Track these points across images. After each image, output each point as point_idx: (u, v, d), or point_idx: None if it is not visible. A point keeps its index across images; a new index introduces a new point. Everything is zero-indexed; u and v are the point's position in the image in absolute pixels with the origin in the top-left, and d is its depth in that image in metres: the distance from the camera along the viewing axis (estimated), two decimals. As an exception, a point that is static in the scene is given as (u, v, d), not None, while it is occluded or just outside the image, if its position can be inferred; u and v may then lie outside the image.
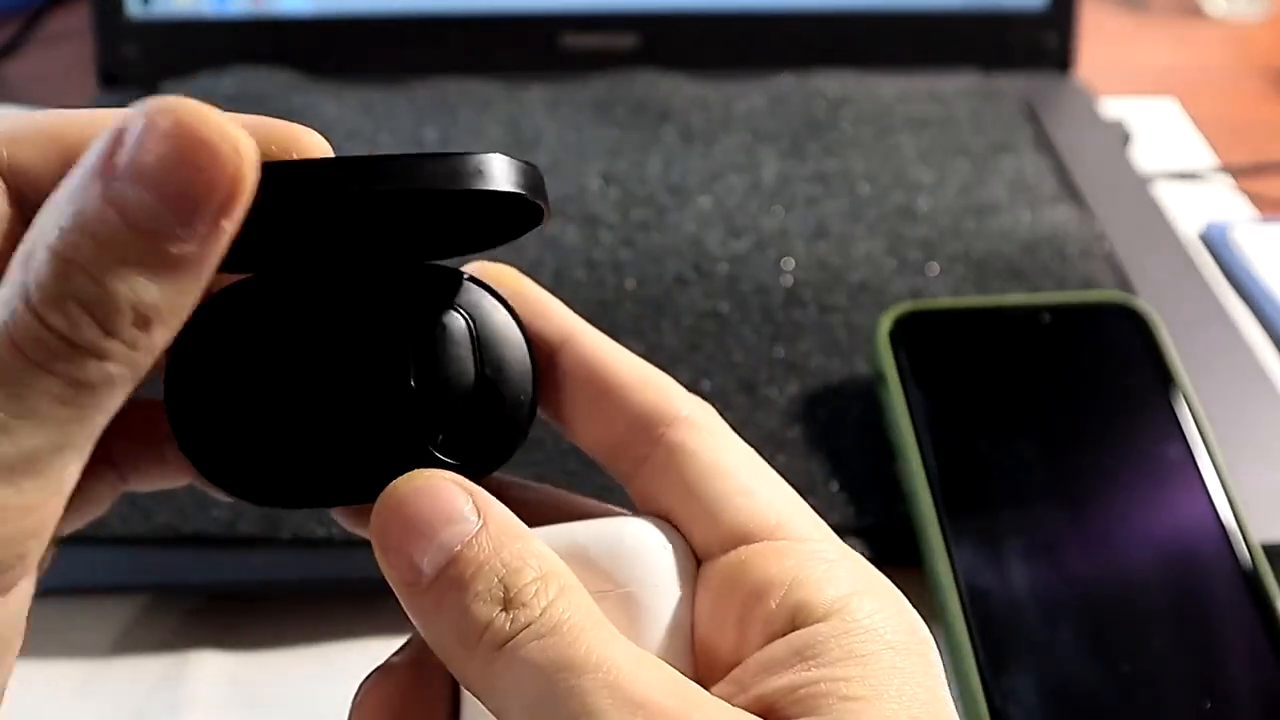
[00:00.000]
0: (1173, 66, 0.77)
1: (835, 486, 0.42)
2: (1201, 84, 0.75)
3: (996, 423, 0.42)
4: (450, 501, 0.22)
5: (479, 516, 0.22)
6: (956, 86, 0.64)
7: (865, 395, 0.46)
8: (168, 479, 0.26)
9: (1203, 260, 0.58)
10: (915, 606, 0.23)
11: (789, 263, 0.52)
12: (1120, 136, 0.65)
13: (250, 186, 0.19)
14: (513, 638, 0.21)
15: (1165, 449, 0.41)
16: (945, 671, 0.22)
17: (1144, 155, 0.66)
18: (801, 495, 0.25)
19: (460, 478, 0.22)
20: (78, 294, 0.18)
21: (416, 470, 0.22)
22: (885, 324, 0.45)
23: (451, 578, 0.21)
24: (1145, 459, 0.41)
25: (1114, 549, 0.38)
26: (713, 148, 0.59)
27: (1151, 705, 0.35)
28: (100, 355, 0.19)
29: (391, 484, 0.22)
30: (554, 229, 0.53)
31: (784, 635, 0.22)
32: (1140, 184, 0.60)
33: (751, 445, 0.26)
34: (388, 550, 0.22)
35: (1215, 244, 0.59)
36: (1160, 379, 0.43)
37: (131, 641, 0.41)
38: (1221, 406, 0.46)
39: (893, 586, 0.23)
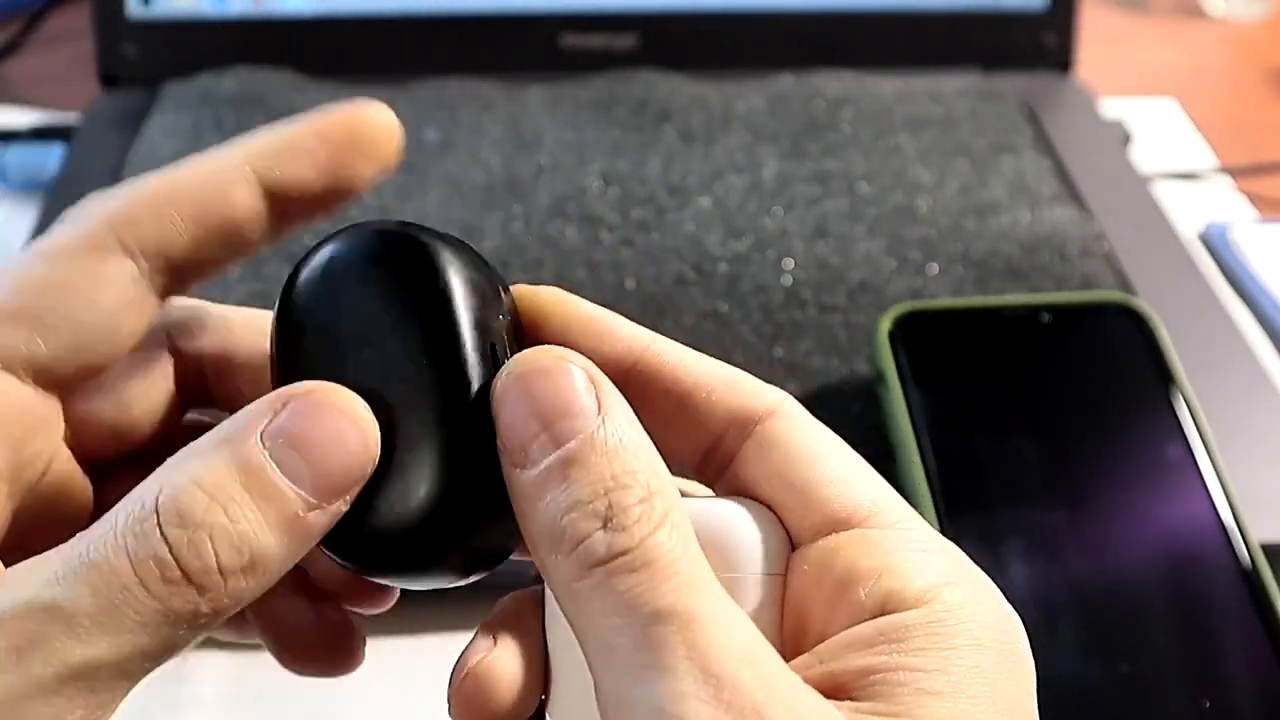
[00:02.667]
0: (1173, 66, 0.77)
1: (835, 486, 0.42)
2: (1201, 84, 0.75)
3: (996, 423, 0.42)
4: (570, 388, 0.21)
5: (599, 411, 0.21)
6: (956, 86, 0.64)
7: (865, 395, 0.46)
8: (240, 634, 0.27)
9: (1202, 260, 0.58)
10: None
11: (789, 263, 0.52)
12: (1120, 136, 0.65)
13: (368, 473, 0.21)
14: (606, 562, 0.20)
15: (1165, 449, 0.41)
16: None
17: (1144, 155, 0.66)
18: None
19: (587, 362, 0.21)
20: (211, 526, 0.19)
21: (543, 348, 0.22)
22: (885, 324, 0.45)
23: (557, 475, 0.20)
24: (1145, 459, 0.41)
25: (1113, 549, 0.39)
26: (713, 148, 0.59)
27: (1151, 705, 0.35)
28: (201, 588, 0.19)
29: (517, 356, 0.21)
30: (554, 229, 0.53)
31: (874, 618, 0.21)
32: (1140, 184, 0.60)
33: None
34: (502, 422, 0.21)
35: (1215, 244, 0.59)
36: (1160, 379, 0.43)
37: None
38: (1221, 406, 0.46)
39: (987, 580, 0.23)
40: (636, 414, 0.24)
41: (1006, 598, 0.21)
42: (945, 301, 0.48)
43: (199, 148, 0.63)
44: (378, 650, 0.41)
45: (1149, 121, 0.69)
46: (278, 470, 0.20)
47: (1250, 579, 0.38)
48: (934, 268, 0.52)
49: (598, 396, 0.21)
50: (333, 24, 0.66)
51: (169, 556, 0.19)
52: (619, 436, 0.21)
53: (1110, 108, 0.68)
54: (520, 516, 0.21)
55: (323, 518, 0.20)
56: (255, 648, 0.41)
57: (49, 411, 0.23)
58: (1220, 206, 0.63)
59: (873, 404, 0.45)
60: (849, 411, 0.45)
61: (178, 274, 0.24)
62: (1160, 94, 0.72)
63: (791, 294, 0.50)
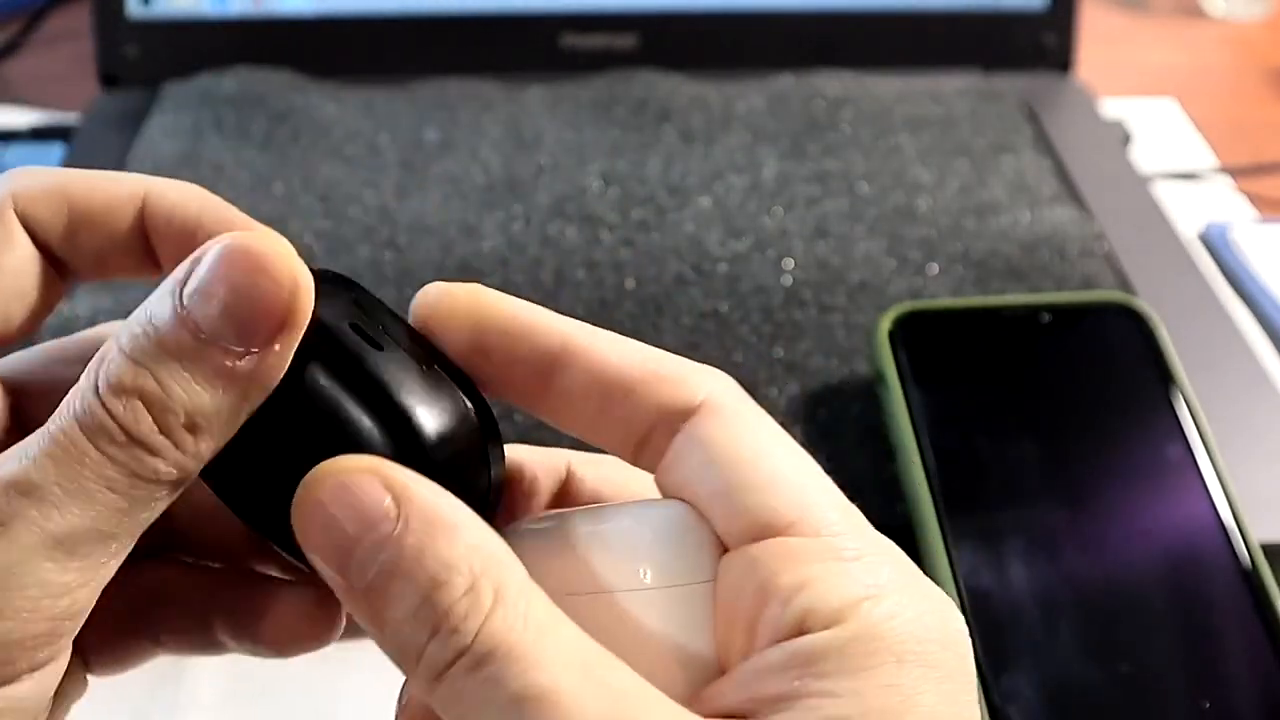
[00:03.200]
0: (1173, 66, 0.77)
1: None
2: (1201, 84, 0.75)
3: (996, 423, 0.42)
4: (367, 500, 0.20)
5: (399, 514, 0.20)
6: (956, 86, 0.64)
7: (865, 395, 0.46)
8: (209, 647, 0.27)
9: (1202, 260, 0.58)
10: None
11: (789, 263, 0.52)
12: (1120, 136, 0.65)
13: (303, 316, 0.21)
14: (450, 666, 0.19)
15: (1165, 449, 0.41)
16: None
17: (1144, 155, 0.66)
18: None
19: (381, 463, 0.20)
20: (141, 390, 0.20)
21: (335, 459, 0.21)
22: (885, 324, 0.45)
23: (377, 592, 0.20)
24: (1145, 459, 0.41)
25: (1114, 549, 0.39)
26: (713, 148, 0.59)
27: (1151, 705, 0.35)
28: (152, 450, 0.21)
29: (309, 473, 0.20)
30: (554, 229, 0.53)
31: (789, 640, 0.20)
32: (1140, 184, 0.60)
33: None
34: (313, 553, 0.20)
35: (1215, 244, 0.59)
36: (1160, 379, 0.43)
37: (131, 641, 0.41)
38: (1221, 406, 0.46)
39: (924, 582, 0.22)
40: (564, 410, 0.24)
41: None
42: (945, 301, 0.48)
43: (199, 148, 0.63)
44: (378, 650, 0.41)
45: (1149, 121, 0.69)
46: (197, 325, 0.21)
47: (1250, 579, 0.38)
48: (934, 268, 0.52)
49: (394, 496, 0.20)
50: (333, 24, 0.66)
51: (112, 424, 0.20)
52: (429, 528, 0.20)
53: (1110, 108, 0.68)
54: (370, 635, 0.21)
55: (257, 363, 0.21)
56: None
57: None
58: (1220, 206, 0.63)
59: (873, 404, 0.45)
60: (849, 411, 0.45)
61: (61, 265, 0.25)
62: (1160, 94, 0.72)
63: (791, 294, 0.50)
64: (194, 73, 0.64)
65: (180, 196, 0.25)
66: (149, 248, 0.25)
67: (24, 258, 0.24)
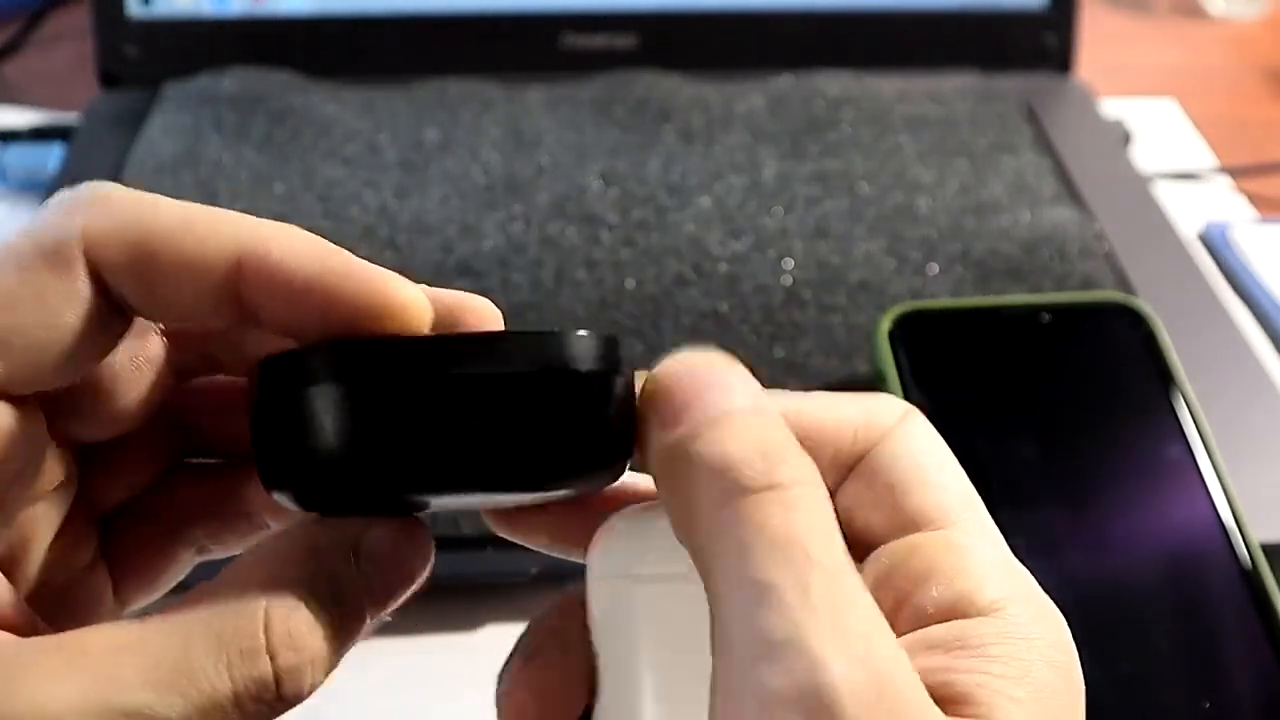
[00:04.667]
0: (1173, 66, 0.77)
1: (835, 486, 0.42)
2: (1201, 84, 0.75)
3: (996, 423, 0.42)
4: (726, 377, 0.22)
5: (753, 400, 0.21)
6: (956, 86, 0.64)
7: (865, 395, 0.46)
8: (249, 536, 0.27)
9: (1202, 260, 0.58)
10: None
11: (789, 263, 0.52)
12: (1120, 136, 0.65)
13: None
14: (760, 491, 0.20)
15: (1165, 449, 0.41)
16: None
17: (1144, 155, 0.66)
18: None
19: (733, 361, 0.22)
20: (312, 651, 0.21)
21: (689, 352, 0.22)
22: (885, 324, 0.45)
23: (716, 425, 0.21)
24: (1145, 459, 0.41)
25: (1114, 549, 0.38)
26: (713, 148, 0.59)
27: (1151, 705, 0.35)
28: (286, 705, 0.21)
29: (664, 362, 0.22)
30: (554, 229, 0.53)
31: (941, 622, 0.21)
32: (1140, 184, 0.60)
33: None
34: (653, 401, 0.21)
35: (1215, 244, 0.59)
36: (1160, 379, 0.43)
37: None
38: (1221, 406, 0.46)
39: (1053, 606, 0.23)
40: None
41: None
42: (945, 301, 0.48)
43: (199, 148, 0.63)
44: (375, 650, 0.41)
45: (1149, 121, 0.69)
46: (366, 591, 0.22)
47: (1250, 579, 0.38)
48: (934, 268, 0.52)
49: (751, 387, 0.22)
50: (333, 24, 0.66)
51: (272, 682, 0.20)
52: (774, 416, 0.22)
53: (1110, 108, 0.68)
54: (667, 474, 0.21)
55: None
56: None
57: (19, 424, 0.22)
58: (1220, 206, 0.63)
59: (873, 404, 0.45)
60: (849, 411, 0.45)
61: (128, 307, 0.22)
62: (1160, 94, 0.72)
63: (791, 294, 0.50)
64: (194, 73, 0.64)
65: (290, 251, 0.21)
66: (241, 301, 0.22)
67: (82, 311, 0.21)
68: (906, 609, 0.22)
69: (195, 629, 0.20)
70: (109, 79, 0.66)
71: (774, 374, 0.47)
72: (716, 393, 0.22)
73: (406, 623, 0.41)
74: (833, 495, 0.23)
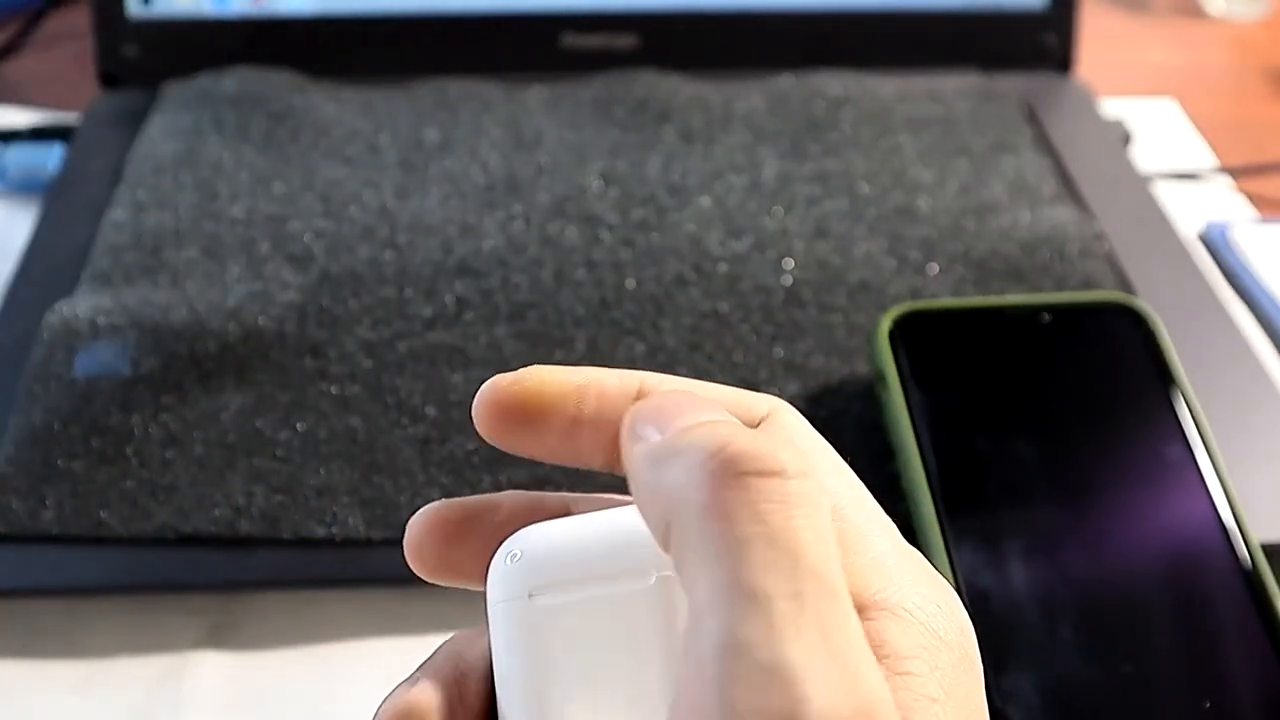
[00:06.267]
0: (1173, 66, 0.77)
1: (835, 486, 0.42)
2: (1201, 84, 0.75)
3: (996, 423, 0.42)
4: (701, 402, 0.22)
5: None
6: (956, 86, 0.64)
7: (865, 395, 0.46)
8: None
9: (1202, 260, 0.58)
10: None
11: (789, 263, 0.52)
12: (1120, 136, 0.65)
13: None
14: (765, 476, 0.19)
15: (1165, 449, 0.41)
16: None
17: (1144, 155, 0.66)
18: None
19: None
20: None
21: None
22: (885, 324, 0.45)
23: (704, 423, 0.20)
24: (1145, 459, 0.41)
25: (1114, 549, 0.38)
26: (713, 148, 0.59)
27: (1151, 705, 0.35)
28: None
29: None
30: (554, 229, 0.53)
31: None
32: (1140, 184, 0.60)
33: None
34: (634, 422, 0.21)
35: (1215, 244, 0.59)
36: (1160, 379, 0.43)
37: (131, 641, 0.41)
38: (1221, 406, 0.46)
39: (939, 576, 0.22)
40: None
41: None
42: (945, 301, 0.48)
43: (199, 148, 0.63)
44: (378, 650, 0.41)
45: (1149, 121, 0.69)
46: None
47: (1250, 579, 0.38)
48: (934, 268, 0.52)
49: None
50: (333, 24, 0.66)
51: None
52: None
53: (1110, 108, 0.68)
54: (655, 465, 0.20)
55: None
56: (255, 648, 0.41)
57: None
58: (1220, 206, 0.63)
59: (873, 404, 0.45)
60: (849, 411, 0.45)
61: None
62: (1160, 94, 0.72)
63: (791, 294, 0.50)
64: (194, 73, 0.64)
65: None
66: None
67: None
68: None
69: None
70: (109, 79, 0.66)
71: (774, 374, 0.47)
72: (702, 410, 0.21)
73: (407, 622, 0.41)
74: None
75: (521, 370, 0.24)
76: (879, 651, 0.20)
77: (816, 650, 0.17)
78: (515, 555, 0.23)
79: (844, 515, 0.22)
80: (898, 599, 0.21)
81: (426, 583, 0.25)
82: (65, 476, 0.43)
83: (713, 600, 0.18)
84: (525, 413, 0.23)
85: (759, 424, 0.24)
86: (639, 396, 0.24)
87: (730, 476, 0.19)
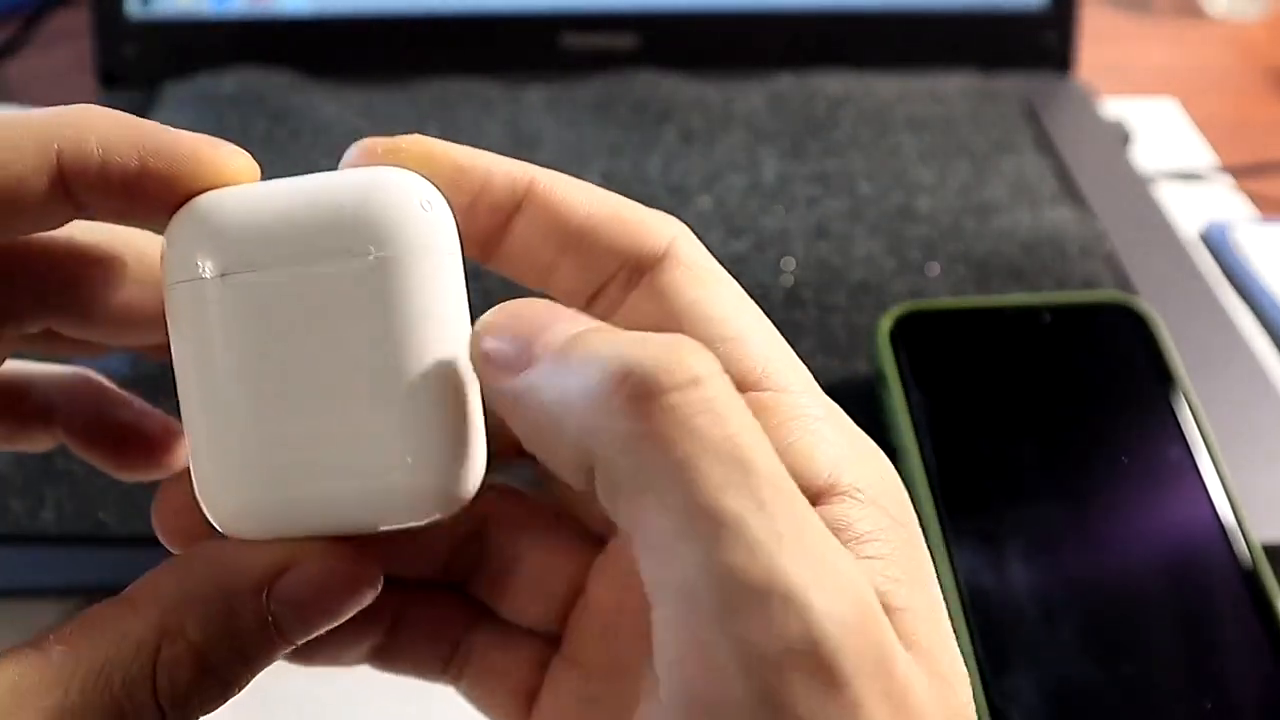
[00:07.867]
0: (1173, 66, 0.77)
1: (835, 486, 0.42)
2: (1201, 84, 0.75)
3: (996, 423, 0.42)
4: (559, 310, 0.20)
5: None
6: (956, 86, 0.64)
7: (865, 395, 0.46)
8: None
9: (1203, 260, 0.58)
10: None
11: (789, 263, 0.51)
12: (1120, 136, 0.65)
13: None
14: (682, 388, 0.17)
15: (1165, 449, 0.41)
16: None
17: (1144, 155, 0.66)
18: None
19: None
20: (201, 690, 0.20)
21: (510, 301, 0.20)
22: (885, 324, 0.45)
23: (583, 339, 0.19)
24: (1145, 459, 0.41)
25: (1114, 549, 0.38)
26: (713, 148, 0.59)
27: (1151, 705, 0.35)
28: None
29: (486, 315, 0.20)
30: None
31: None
32: (1140, 184, 0.60)
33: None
34: (487, 341, 0.20)
35: (1215, 244, 0.59)
36: (1160, 379, 0.43)
37: (131, 641, 0.41)
38: (1221, 406, 0.46)
39: (876, 448, 0.22)
40: (515, 259, 0.23)
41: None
42: (945, 301, 0.48)
43: (199, 148, 0.62)
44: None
45: (1149, 121, 0.69)
46: (273, 639, 0.21)
47: (1250, 579, 0.38)
48: (934, 268, 0.52)
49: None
50: (333, 24, 0.66)
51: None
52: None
53: (1110, 108, 0.68)
54: (530, 398, 0.19)
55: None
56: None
57: None
58: (1220, 206, 0.63)
59: (873, 404, 0.45)
60: (849, 411, 0.45)
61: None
62: (1160, 94, 0.72)
63: (791, 294, 0.50)
64: (194, 73, 0.64)
65: (106, 142, 0.20)
66: (70, 200, 0.21)
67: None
68: None
69: (79, 678, 0.20)
70: (109, 79, 0.66)
71: (774, 374, 0.47)
72: (565, 321, 0.20)
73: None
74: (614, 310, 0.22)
75: (402, 136, 0.22)
76: (841, 538, 0.19)
77: (801, 557, 0.17)
78: (187, 226, 0.21)
79: (772, 381, 0.21)
80: (849, 480, 0.20)
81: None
82: (65, 477, 0.43)
83: (679, 530, 0.17)
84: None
85: (660, 260, 0.23)
86: (526, 196, 0.22)
87: (649, 400, 0.17)
